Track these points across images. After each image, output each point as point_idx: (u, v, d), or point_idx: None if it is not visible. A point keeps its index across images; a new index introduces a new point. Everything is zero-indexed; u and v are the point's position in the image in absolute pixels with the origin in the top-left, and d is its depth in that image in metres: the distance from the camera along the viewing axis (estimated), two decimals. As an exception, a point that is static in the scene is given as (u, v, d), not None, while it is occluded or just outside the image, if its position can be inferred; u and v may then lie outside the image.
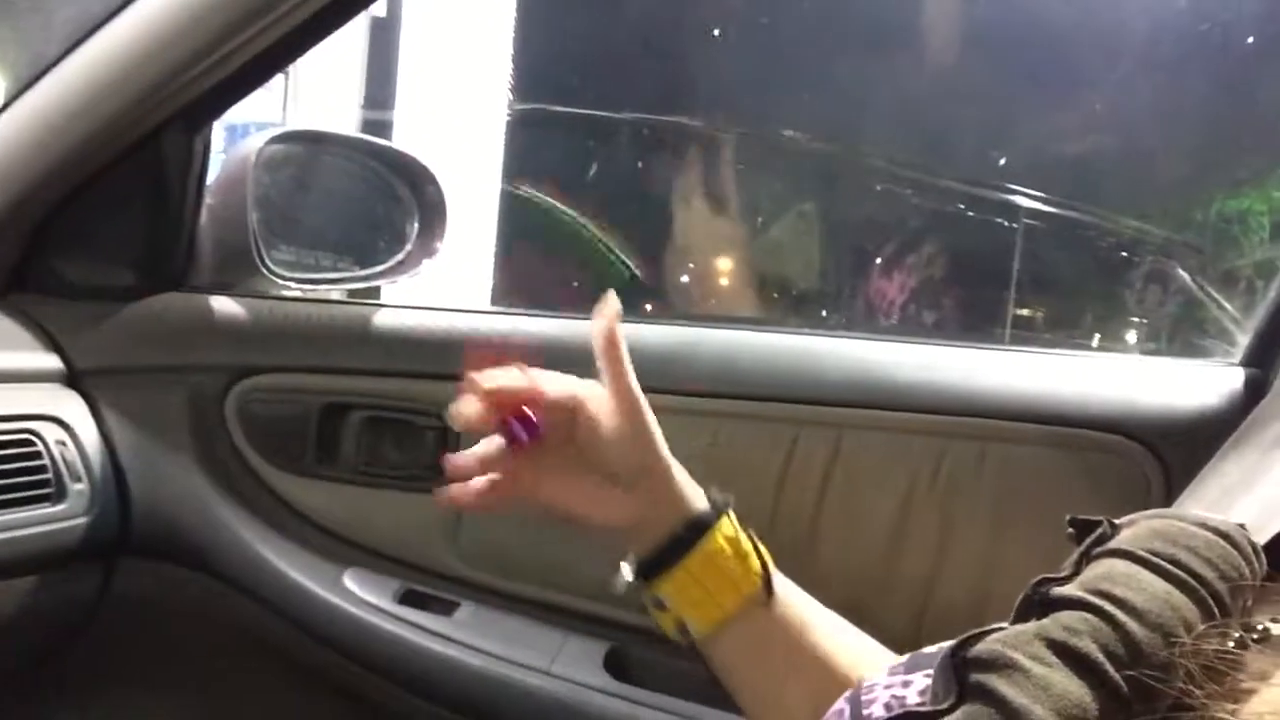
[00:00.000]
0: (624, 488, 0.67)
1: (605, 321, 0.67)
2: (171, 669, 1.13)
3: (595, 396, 0.66)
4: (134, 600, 1.07)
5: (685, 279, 3.98)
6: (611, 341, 0.67)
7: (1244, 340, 1.05)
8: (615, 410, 0.66)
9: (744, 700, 0.67)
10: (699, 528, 0.66)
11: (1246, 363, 1.03)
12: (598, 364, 0.67)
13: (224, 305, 1.10)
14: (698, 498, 0.68)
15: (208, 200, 1.11)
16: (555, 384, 0.66)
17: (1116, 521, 0.47)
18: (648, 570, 0.67)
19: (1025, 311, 3.61)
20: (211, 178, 1.11)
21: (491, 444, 0.67)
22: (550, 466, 0.67)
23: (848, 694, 0.53)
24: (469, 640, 1.01)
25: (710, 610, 0.66)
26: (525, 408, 0.66)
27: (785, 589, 0.68)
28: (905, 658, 0.54)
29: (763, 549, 0.68)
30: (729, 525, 0.67)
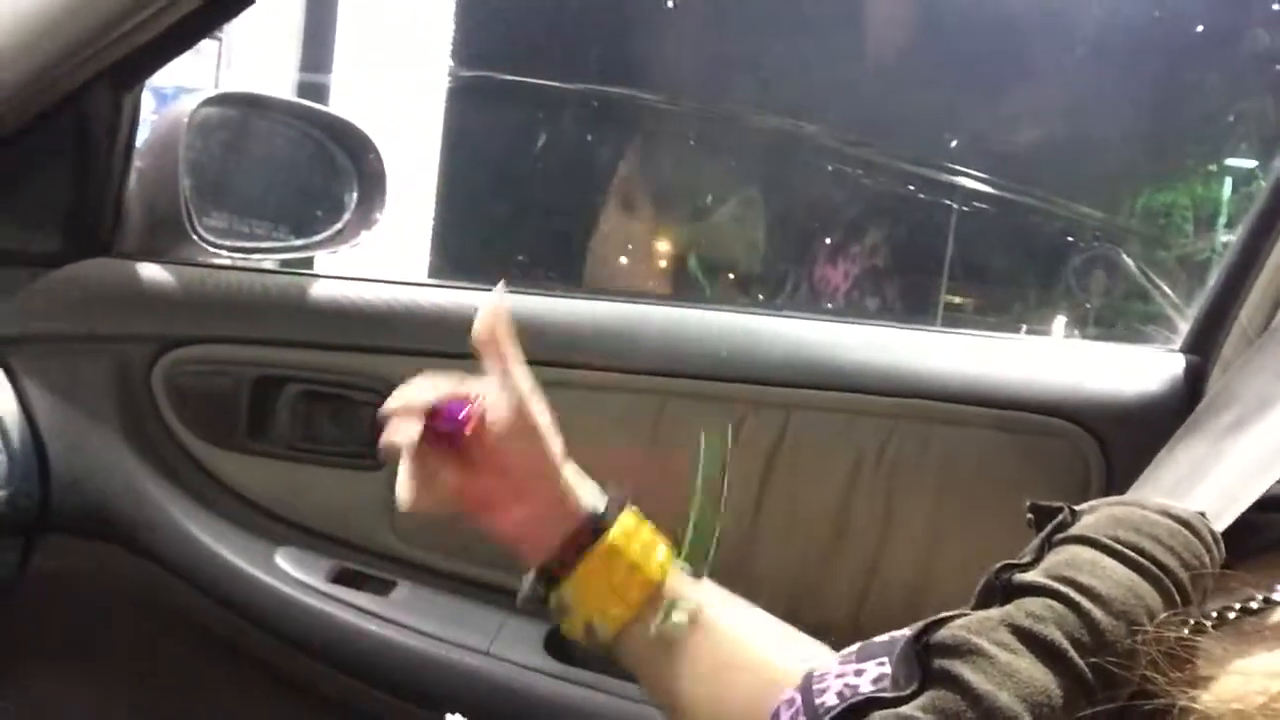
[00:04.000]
0: (517, 489, 0.65)
1: (487, 317, 0.65)
2: (94, 650, 1.09)
3: (487, 394, 0.65)
4: (55, 578, 1.03)
5: (624, 260, 3.96)
6: (494, 337, 0.65)
7: (1184, 327, 1.07)
8: (505, 407, 0.65)
9: (658, 700, 0.66)
10: (597, 526, 0.65)
11: (1187, 349, 1.04)
12: (483, 361, 0.66)
13: (152, 273, 1.06)
14: (594, 496, 0.67)
15: (137, 163, 1.07)
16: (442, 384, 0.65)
17: (1076, 508, 0.47)
18: (549, 574, 0.65)
19: (956, 299, 3.65)
20: (141, 141, 1.07)
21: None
22: (449, 476, 0.66)
23: (798, 684, 0.52)
24: (406, 621, 0.99)
25: (615, 610, 0.64)
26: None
27: (696, 584, 0.67)
28: (855, 647, 0.53)
29: (667, 546, 0.67)
30: (628, 521, 0.66)
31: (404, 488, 0.65)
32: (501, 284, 0.67)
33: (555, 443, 0.66)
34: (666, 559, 0.66)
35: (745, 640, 0.65)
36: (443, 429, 0.64)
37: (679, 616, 0.64)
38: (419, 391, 0.64)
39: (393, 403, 0.64)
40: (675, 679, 0.65)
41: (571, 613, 0.65)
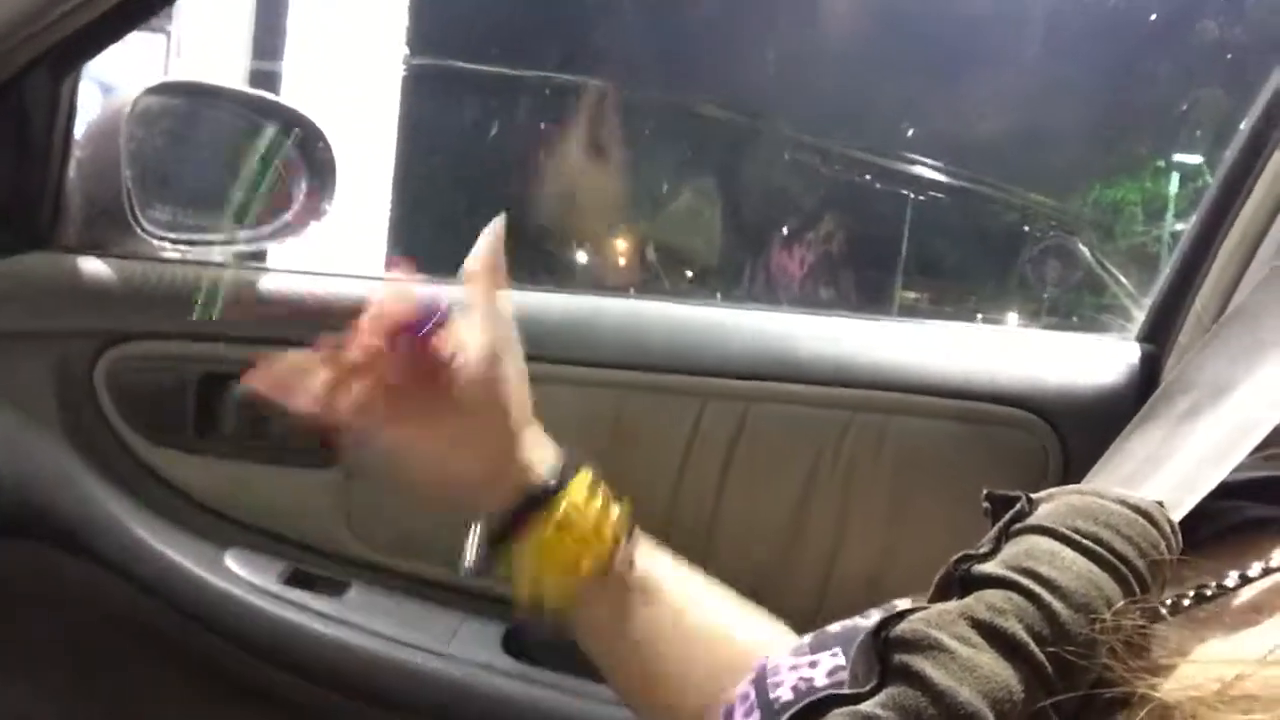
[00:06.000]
0: (475, 443, 0.62)
1: (486, 246, 0.62)
2: (39, 656, 1.06)
3: (464, 330, 0.62)
4: (-5, 583, 1.00)
5: (581, 253, 3.94)
6: (489, 267, 0.62)
7: (1140, 316, 1.07)
8: (479, 350, 0.61)
9: (606, 671, 0.65)
10: (549, 490, 0.62)
11: (1143, 338, 1.05)
12: (467, 291, 0.62)
13: (93, 266, 1.03)
14: (552, 460, 0.64)
15: (76, 153, 1.04)
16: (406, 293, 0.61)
17: (1033, 497, 0.46)
18: (496, 537, 0.63)
19: (911, 294, 3.67)
20: (80, 130, 1.04)
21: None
22: (404, 404, 0.61)
23: (751, 676, 0.51)
24: (360, 622, 0.97)
25: (564, 579, 0.62)
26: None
27: (652, 556, 0.65)
28: (809, 637, 0.52)
29: (621, 515, 0.64)
30: (580, 488, 0.63)
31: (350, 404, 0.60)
32: (502, 216, 0.64)
33: (523, 399, 0.63)
34: (620, 528, 0.64)
35: (702, 613, 0.64)
36: (400, 340, 0.59)
37: (625, 591, 0.63)
38: (389, 303, 0.60)
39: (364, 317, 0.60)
40: (627, 651, 0.63)
41: (519, 579, 0.63)
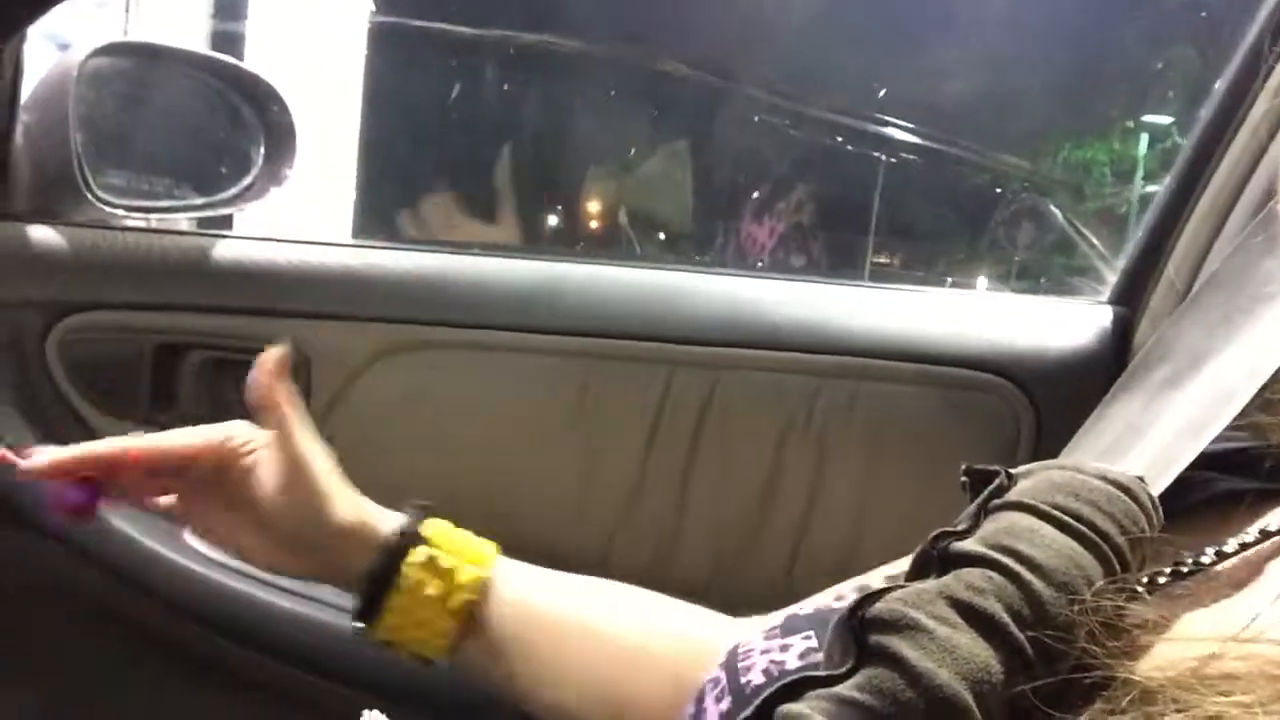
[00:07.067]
0: (289, 547, 0.64)
1: (264, 376, 0.63)
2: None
3: (253, 448, 0.64)
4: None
5: (552, 217, 3.90)
6: (271, 398, 0.63)
7: (1112, 278, 1.06)
8: (278, 470, 0.63)
9: (520, 702, 0.64)
10: (385, 572, 0.62)
11: (1114, 300, 1.04)
12: (262, 419, 0.64)
13: (43, 235, 1.00)
14: (377, 537, 0.63)
15: (22, 118, 1.00)
16: (186, 436, 0.65)
17: (1013, 471, 0.45)
18: (364, 620, 0.63)
19: (883, 257, 3.66)
20: (26, 94, 1.00)
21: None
22: (211, 500, 0.65)
23: (723, 661, 0.50)
24: (326, 598, 0.95)
25: (432, 641, 0.63)
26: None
27: (520, 584, 0.64)
28: (779, 619, 0.51)
29: (472, 552, 0.64)
30: (420, 552, 0.63)
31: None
32: (278, 348, 0.64)
33: (335, 494, 0.63)
34: (481, 570, 0.63)
35: (599, 623, 0.63)
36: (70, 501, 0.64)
37: (500, 624, 0.63)
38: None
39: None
40: (520, 678, 0.63)
41: (396, 648, 0.64)
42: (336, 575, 0.64)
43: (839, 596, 0.52)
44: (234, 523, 0.65)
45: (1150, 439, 0.49)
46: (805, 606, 0.53)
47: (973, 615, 0.39)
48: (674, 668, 0.60)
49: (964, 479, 0.46)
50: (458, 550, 0.63)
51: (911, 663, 0.37)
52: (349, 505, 0.64)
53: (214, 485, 0.65)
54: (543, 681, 0.62)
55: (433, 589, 0.62)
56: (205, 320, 1.00)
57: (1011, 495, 0.44)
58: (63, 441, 0.97)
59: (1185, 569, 0.42)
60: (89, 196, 1.00)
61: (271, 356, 0.64)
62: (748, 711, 0.41)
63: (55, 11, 0.96)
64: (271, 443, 0.64)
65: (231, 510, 0.65)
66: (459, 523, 0.65)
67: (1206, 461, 0.48)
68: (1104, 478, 0.43)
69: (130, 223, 1.05)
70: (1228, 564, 0.42)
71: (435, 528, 0.64)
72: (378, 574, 0.62)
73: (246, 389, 0.64)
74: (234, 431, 0.65)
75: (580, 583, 0.66)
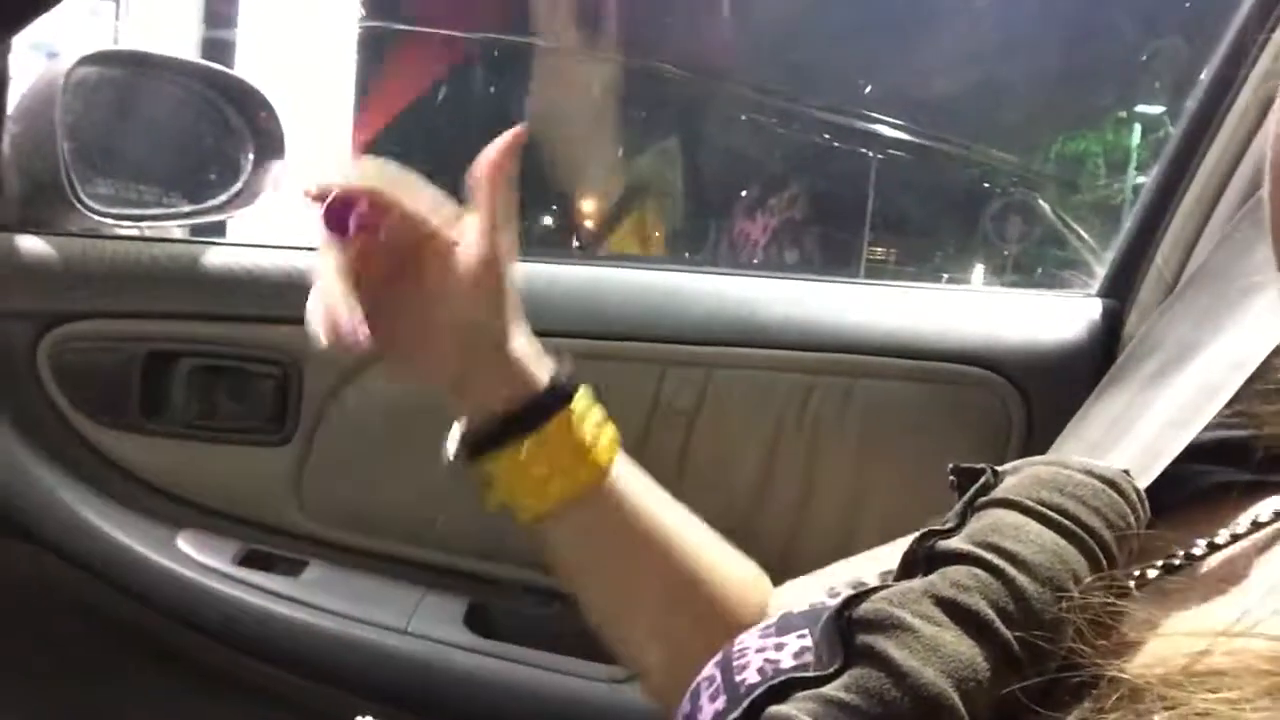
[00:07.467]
0: (464, 347, 0.60)
1: (503, 145, 0.59)
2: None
3: (454, 231, 0.59)
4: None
5: (546, 218, 3.90)
6: (496, 175, 0.59)
7: (1101, 271, 1.06)
8: (474, 253, 0.59)
9: (577, 589, 0.63)
10: (536, 411, 0.60)
11: (1104, 293, 1.04)
12: (471, 195, 0.60)
13: (31, 245, 1.00)
14: (540, 375, 0.61)
15: (9, 128, 1.00)
16: (414, 200, 0.59)
17: (999, 469, 0.45)
18: (474, 446, 0.61)
19: (877, 251, 3.67)
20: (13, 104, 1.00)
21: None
22: (390, 301, 0.59)
23: (717, 659, 0.50)
24: (319, 601, 0.96)
25: (536, 500, 0.60)
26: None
27: (629, 484, 0.63)
28: (775, 617, 0.51)
29: (607, 435, 0.62)
30: (574, 410, 0.61)
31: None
32: (523, 126, 0.61)
33: (514, 311, 0.61)
34: (612, 446, 0.62)
35: (674, 541, 0.63)
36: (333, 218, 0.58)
37: (601, 515, 0.61)
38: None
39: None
40: (597, 573, 0.62)
41: (498, 487, 0.61)
42: (477, 390, 0.61)
43: (832, 590, 0.52)
44: (413, 323, 0.60)
45: (1137, 432, 0.49)
46: (801, 605, 0.53)
47: (958, 613, 0.39)
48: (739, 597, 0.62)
49: (951, 478, 0.46)
50: (600, 418, 0.62)
51: (897, 662, 0.37)
52: (524, 325, 0.61)
53: (408, 266, 0.60)
54: (629, 573, 0.62)
55: (588, 435, 0.60)
56: (196, 327, 1.00)
57: (997, 492, 0.44)
58: (54, 451, 0.98)
59: (1177, 563, 0.42)
60: (78, 206, 1.00)
61: (515, 131, 0.60)
62: (736, 712, 0.41)
63: (44, 20, 0.97)
64: (476, 229, 0.59)
65: (406, 298, 0.60)
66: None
67: (1196, 453, 0.48)
68: (1089, 472, 0.43)
69: (119, 231, 1.05)
70: (1220, 556, 0.42)
71: (584, 392, 0.62)
72: (544, 402, 0.60)
73: (474, 164, 0.59)
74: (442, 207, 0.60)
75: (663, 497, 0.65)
